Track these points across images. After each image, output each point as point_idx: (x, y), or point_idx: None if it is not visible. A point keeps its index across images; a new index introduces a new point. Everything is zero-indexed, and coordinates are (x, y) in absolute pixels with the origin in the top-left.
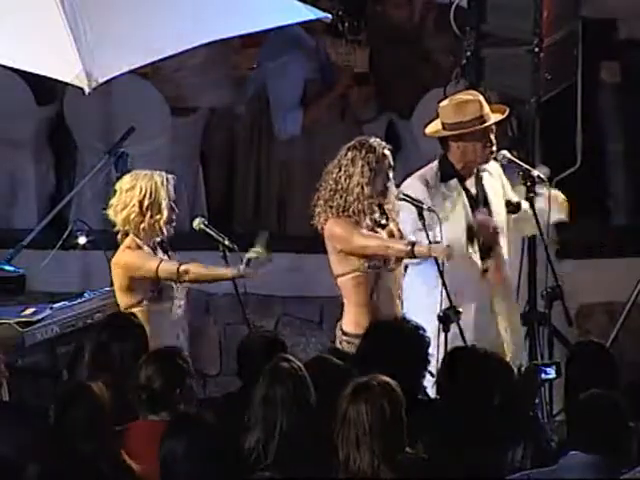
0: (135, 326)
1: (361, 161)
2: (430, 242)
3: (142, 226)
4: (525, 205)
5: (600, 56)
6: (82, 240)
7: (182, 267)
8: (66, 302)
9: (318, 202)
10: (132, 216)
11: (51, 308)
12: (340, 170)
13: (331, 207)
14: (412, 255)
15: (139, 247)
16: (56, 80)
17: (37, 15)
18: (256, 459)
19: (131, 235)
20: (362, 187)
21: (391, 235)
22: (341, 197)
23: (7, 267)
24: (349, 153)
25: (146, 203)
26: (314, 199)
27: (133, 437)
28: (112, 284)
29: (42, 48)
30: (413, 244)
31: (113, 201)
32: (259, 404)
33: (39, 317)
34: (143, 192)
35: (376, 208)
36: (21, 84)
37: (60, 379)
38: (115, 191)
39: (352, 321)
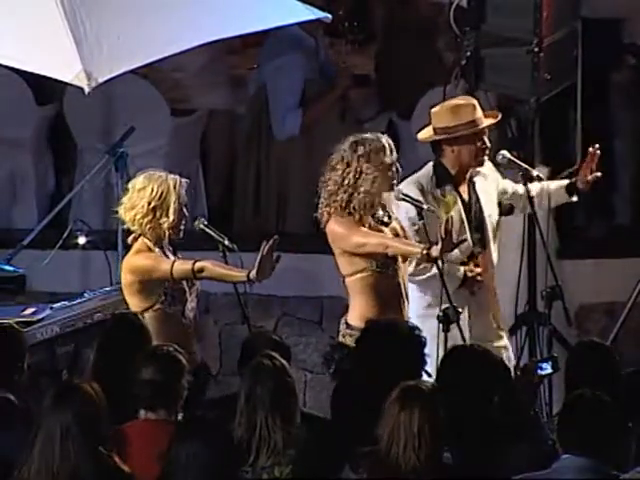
0: (139, 326)
1: (362, 158)
2: (431, 242)
3: (148, 227)
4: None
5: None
6: (82, 240)
7: (197, 265)
8: (66, 302)
9: (322, 198)
10: (138, 217)
11: (51, 308)
12: (344, 165)
13: (335, 201)
14: (428, 258)
15: (150, 250)
16: (56, 80)
17: (37, 15)
18: (239, 458)
19: (142, 238)
20: (367, 182)
21: (395, 234)
22: (345, 192)
23: (7, 267)
24: (350, 148)
25: (154, 204)
26: (319, 195)
27: (132, 437)
28: (112, 284)
29: (42, 48)
30: (429, 248)
31: (124, 199)
32: (242, 402)
33: (39, 317)
34: (154, 194)
35: (379, 205)
36: (21, 84)
37: (60, 379)
38: (127, 189)
39: (358, 316)
